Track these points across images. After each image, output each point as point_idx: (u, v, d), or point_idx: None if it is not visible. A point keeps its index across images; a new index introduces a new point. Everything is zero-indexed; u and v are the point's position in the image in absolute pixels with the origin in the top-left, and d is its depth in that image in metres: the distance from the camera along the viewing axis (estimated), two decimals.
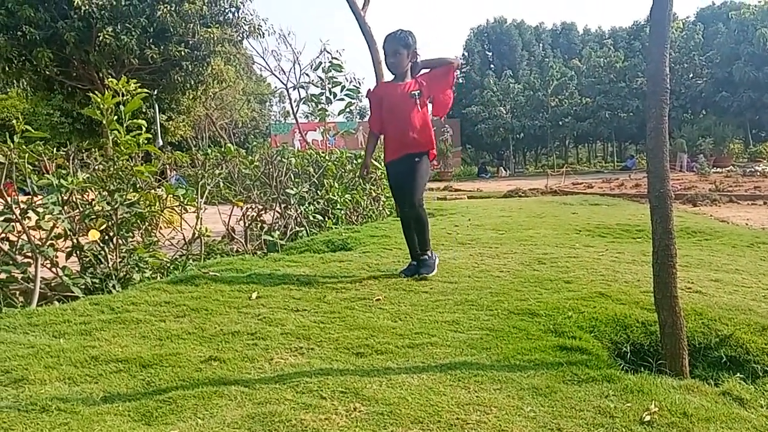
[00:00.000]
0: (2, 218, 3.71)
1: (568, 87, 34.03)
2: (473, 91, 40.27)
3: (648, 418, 1.71)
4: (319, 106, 9.32)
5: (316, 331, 2.55)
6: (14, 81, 19.19)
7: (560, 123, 34.30)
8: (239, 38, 19.12)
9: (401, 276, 3.64)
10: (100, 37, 16.11)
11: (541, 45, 45.63)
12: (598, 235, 5.70)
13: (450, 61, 3.86)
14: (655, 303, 2.19)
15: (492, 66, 43.57)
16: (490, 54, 45.82)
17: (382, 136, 3.96)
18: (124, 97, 3.97)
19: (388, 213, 8.25)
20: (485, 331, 2.49)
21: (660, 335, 2.22)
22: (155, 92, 18.67)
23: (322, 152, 7.67)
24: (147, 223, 4.37)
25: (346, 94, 9.04)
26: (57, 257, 3.85)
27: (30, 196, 3.82)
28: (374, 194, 8.23)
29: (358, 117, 43.03)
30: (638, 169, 24.28)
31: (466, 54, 46.28)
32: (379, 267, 3.96)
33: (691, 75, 29.59)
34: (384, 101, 3.83)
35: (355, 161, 7.97)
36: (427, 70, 3.83)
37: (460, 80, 45.74)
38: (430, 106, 3.95)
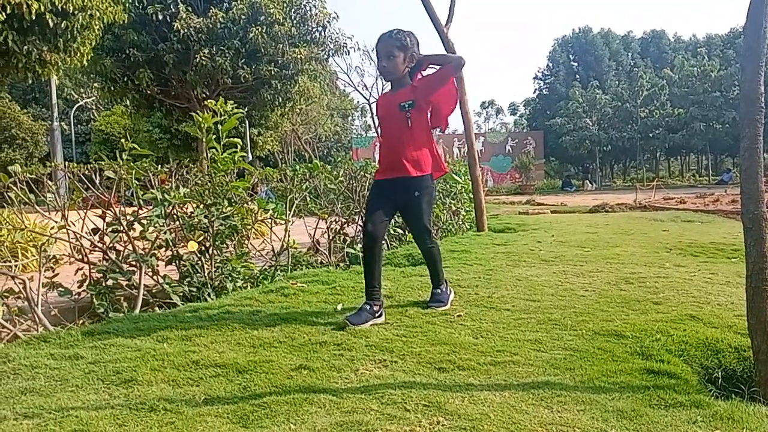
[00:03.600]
0: (110, 229, 4.04)
1: (658, 97, 32.73)
2: (558, 103, 39.54)
3: None
4: None
5: (399, 344, 2.63)
6: (118, 99, 20.61)
7: (650, 135, 33.03)
8: (325, 56, 19.75)
9: (347, 322, 2.88)
10: (197, 59, 17.12)
11: (629, 54, 44.17)
12: (690, 254, 5.47)
13: (449, 60, 3.16)
14: (748, 328, 2.11)
15: (577, 77, 42.59)
16: (576, 65, 44.85)
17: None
18: (222, 117, 4.23)
19: (468, 227, 8.25)
20: (569, 352, 2.48)
21: (754, 361, 2.14)
22: (246, 109, 19.56)
23: None
24: (239, 235, 4.60)
25: None
26: (158, 266, 4.14)
27: (135, 209, 4.14)
28: (454, 208, 8.26)
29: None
30: (735, 183, 22.96)
31: (550, 65, 45.50)
32: (459, 283, 3.99)
33: None
34: (380, 116, 3.35)
35: None
36: (435, 69, 3.21)
37: (544, 91, 45.05)
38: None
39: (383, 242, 3.33)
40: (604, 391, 2.06)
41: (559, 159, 42.89)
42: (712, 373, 2.40)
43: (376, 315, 3.01)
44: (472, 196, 8.13)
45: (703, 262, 4.94)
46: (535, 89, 46.82)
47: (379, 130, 3.59)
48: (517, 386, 2.11)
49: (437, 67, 3.20)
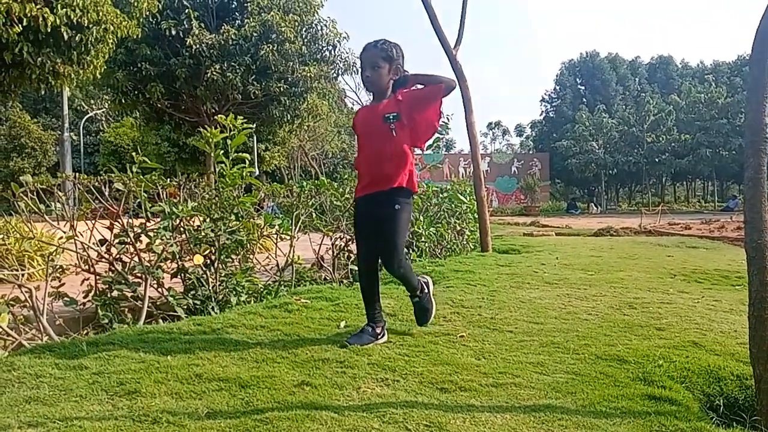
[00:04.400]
0: (117, 240, 4.08)
1: (665, 123, 32.81)
2: (564, 126, 39.70)
3: None
4: None
5: (401, 363, 2.64)
6: (129, 112, 20.81)
7: (657, 160, 33.05)
8: (335, 75, 19.94)
9: (347, 344, 2.88)
10: (208, 74, 17.32)
11: (636, 79, 44.37)
12: (694, 280, 5.47)
13: (440, 80, 3.02)
14: (750, 356, 2.12)
15: (584, 100, 42.77)
16: (583, 88, 45.05)
17: None
18: (231, 132, 4.28)
19: (472, 247, 8.26)
20: (571, 375, 2.49)
21: (755, 390, 2.14)
22: (255, 125, 19.72)
23: None
24: (245, 250, 4.63)
25: None
26: (164, 278, 4.17)
27: (143, 221, 4.17)
28: (458, 228, 8.27)
29: (444, 149, 43.31)
30: (741, 210, 22.88)
31: (557, 88, 45.75)
32: (462, 303, 4.00)
33: None
34: (360, 129, 3.17)
35: (441, 195, 8.07)
36: (420, 87, 3.09)
37: (551, 114, 45.27)
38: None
39: (379, 266, 3.22)
40: (605, 415, 2.06)
41: (564, 181, 42.93)
42: (713, 400, 2.40)
43: (379, 337, 3.00)
44: (476, 216, 8.15)
45: (707, 289, 4.94)
46: (542, 111, 47.07)
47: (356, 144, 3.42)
48: (519, 409, 2.12)
49: (421, 86, 3.09)
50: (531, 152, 46.27)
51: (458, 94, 7.75)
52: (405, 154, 3.02)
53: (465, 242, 8.30)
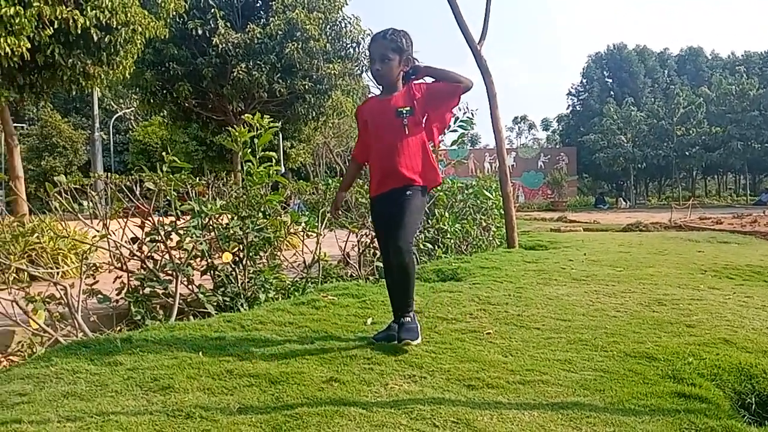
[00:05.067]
0: (149, 239, 4.16)
1: (695, 115, 32.20)
2: (592, 119, 39.21)
3: None
4: None
5: (428, 360, 2.65)
6: (157, 111, 21.11)
7: (687, 153, 32.47)
8: (359, 72, 19.96)
9: (373, 342, 2.90)
10: (234, 73, 17.47)
11: (665, 71, 43.56)
12: (725, 276, 5.37)
13: (459, 79, 2.94)
14: None
15: (612, 93, 42.15)
16: (610, 81, 44.41)
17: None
18: (258, 131, 4.33)
19: (498, 243, 8.22)
20: (599, 373, 2.47)
21: None
22: (280, 122, 19.85)
23: None
24: (272, 247, 4.69)
25: (459, 126, 9.14)
26: (194, 276, 4.24)
27: (173, 219, 4.25)
28: (484, 224, 8.24)
29: (469, 145, 43.10)
30: None
31: (584, 81, 45.19)
32: (489, 300, 3.99)
33: None
34: (369, 122, 3.06)
35: (466, 191, 8.05)
36: (430, 80, 3.01)
37: (578, 107, 44.73)
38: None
39: None
40: (634, 413, 2.05)
41: (592, 176, 42.44)
42: (745, 398, 2.37)
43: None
44: (502, 212, 8.11)
45: (739, 285, 4.85)
46: (569, 105, 46.56)
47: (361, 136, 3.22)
48: (547, 406, 2.12)
49: (432, 80, 3.01)
50: (558, 146, 45.83)
51: (483, 89, 7.71)
52: (418, 148, 2.95)
53: (491, 238, 8.26)
